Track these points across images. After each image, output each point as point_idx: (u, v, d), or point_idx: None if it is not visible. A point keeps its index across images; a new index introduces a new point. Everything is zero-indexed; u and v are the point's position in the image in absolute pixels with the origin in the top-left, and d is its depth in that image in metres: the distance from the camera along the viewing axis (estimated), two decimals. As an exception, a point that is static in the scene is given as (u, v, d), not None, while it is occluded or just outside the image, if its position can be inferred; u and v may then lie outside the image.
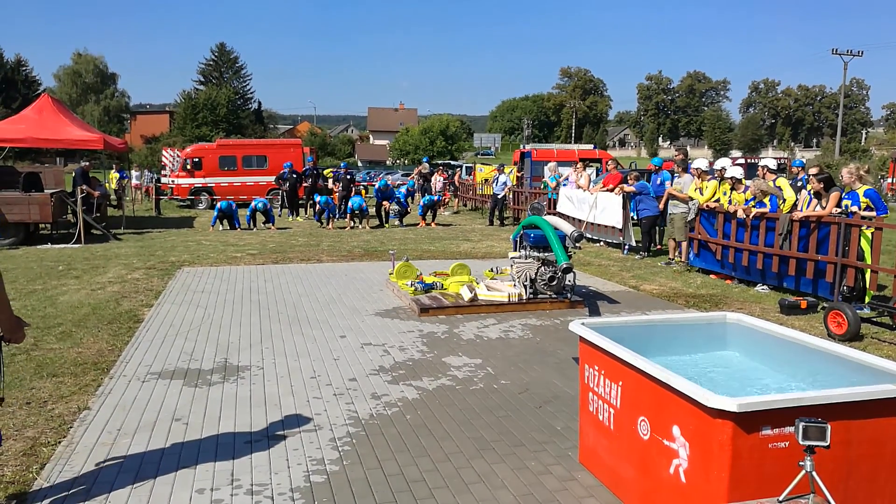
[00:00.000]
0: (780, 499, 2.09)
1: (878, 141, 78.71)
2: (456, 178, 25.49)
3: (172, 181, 24.89)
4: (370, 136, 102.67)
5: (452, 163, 36.36)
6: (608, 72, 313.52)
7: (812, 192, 9.24)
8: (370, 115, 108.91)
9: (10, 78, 66.57)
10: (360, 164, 69.10)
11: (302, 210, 20.98)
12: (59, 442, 4.25)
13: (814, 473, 2.06)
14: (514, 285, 8.53)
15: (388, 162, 74.99)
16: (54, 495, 3.59)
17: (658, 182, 13.13)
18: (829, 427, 2.03)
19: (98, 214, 16.30)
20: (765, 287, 9.65)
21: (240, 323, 7.45)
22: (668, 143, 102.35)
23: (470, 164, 34.14)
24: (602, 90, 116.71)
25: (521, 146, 34.60)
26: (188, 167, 24.37)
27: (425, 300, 8.10)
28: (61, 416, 4.65)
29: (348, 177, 20.91)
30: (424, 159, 28.13)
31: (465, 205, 24.92)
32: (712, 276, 10.64)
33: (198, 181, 24.25)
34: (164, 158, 29.84)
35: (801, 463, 2.09)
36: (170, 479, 3.79)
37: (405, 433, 4.47)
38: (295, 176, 20.52)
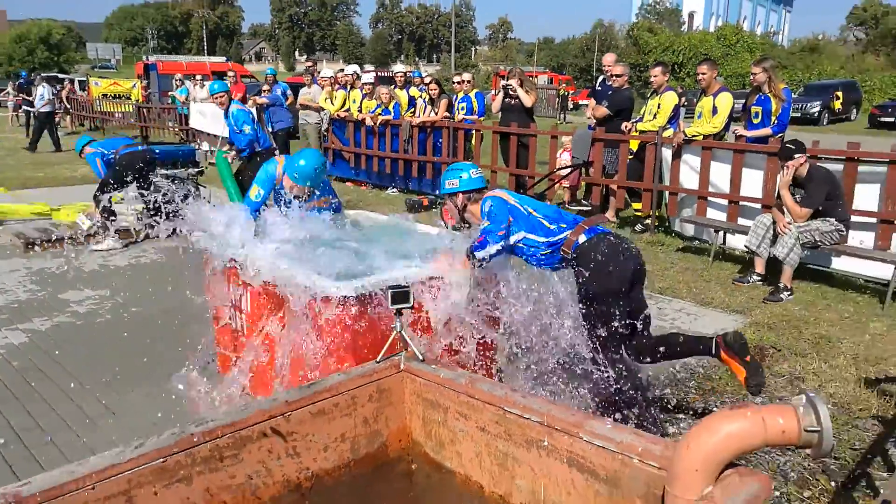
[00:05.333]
0: (378, 360, 2.35)
1: (484, 58, 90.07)
2: (64, 93, 21.95)
3: None
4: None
5: (60, 76, 31.23)
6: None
7: (427, 99, 10.20)
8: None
9: None
10: (-69, 79, 55.23)
11: None
12: None
13: (403, 332, 2.35)
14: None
15: (-28, 76, 61.30)
16: None
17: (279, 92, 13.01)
18: (411, 290, 2.33)
19: None
20: (394, 190, 10.52)
21: None
22: (305, 56, 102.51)
23: (83, 78, 29.74)
24: (232, 0, 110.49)
25: (145, 58, 31.29)
26: None
27: (31, 233, 7.00)
28: None
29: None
30: (22, 73, 23.58)
31: (82, 124, 21.84)
32: (349, 183, 11.20)
33: None
34: None
35: (393, 325, 2.37)
36: None
37: (12, 382, 3.90)
38: None
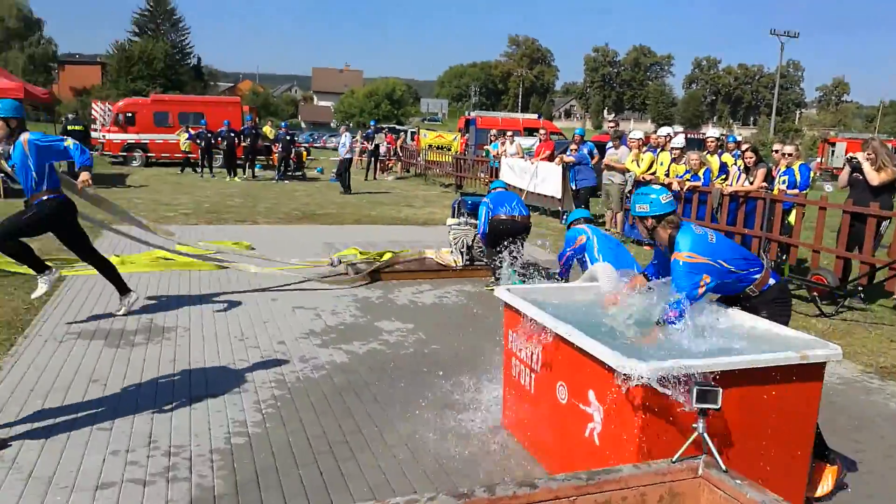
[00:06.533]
0: (673, 460, 2.17)
1: (811, 122, 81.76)
2: (398, 142, 25.18)
3: (103, 136, 23.81)
4: (314, 96, 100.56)
5: (398, 127, 35.96)
6: (555, 42, 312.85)
7: (741, 167, 9.54)
8: (314, 75, 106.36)
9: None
10: (303, 125, 67.69)
11: (240, 170, 20.46)
12: (-34, 403, 4.07)
13: (705, 435, 2.14)
14: (451, 252, 8.56)
15: (332, 124, 73.73)
16: (-43, 458, 3.46)
17: (586, 151, 13.17)
18: (721, 391, 2.12)
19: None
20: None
21: (168, 283, 7.26)
22: (613, 115, 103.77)
23: (414, 129, 33.89)
24: (549, 60, 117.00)
25: (467, 113, 34.53)
26: (120, 122, 23.33)
27: (361, 265, 8.04)
28: (-31, 377, 4.45)
29: (288, 137, 20.51)
30: (372, 122, 27.68)
31: (407, 171, 24.79)
32: (646, 247, 10.90)
33: (131, 137, 23.29)
34: (94, 112, 28.53)
35: (694, 425, 2.18)
36: (82, 440, 3.68)
37: (331, 395, 4.47)
38: (233, 135, 19.98)
